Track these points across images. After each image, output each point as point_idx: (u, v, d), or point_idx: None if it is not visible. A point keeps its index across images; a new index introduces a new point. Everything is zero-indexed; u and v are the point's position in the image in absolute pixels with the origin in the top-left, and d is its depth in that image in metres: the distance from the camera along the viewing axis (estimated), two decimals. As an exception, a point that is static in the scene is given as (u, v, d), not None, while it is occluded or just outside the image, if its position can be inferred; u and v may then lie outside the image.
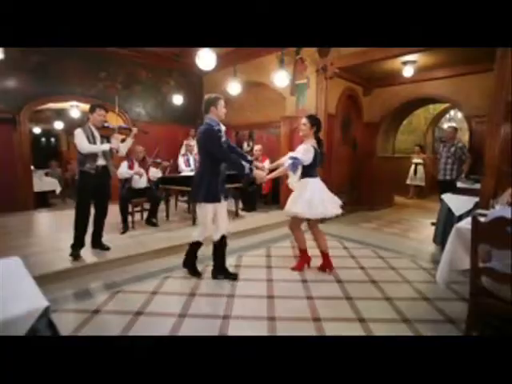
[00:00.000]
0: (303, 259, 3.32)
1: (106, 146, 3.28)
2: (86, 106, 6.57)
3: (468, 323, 1.93)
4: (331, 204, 3.06)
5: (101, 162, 3.29)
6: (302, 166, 2.99)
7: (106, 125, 3.40)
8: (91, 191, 3.29)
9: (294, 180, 3.05)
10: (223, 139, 2.82)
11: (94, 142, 3.25)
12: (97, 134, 3.30)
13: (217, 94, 2.92)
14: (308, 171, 3.03)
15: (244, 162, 2.83)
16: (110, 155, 3.38)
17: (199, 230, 3.01)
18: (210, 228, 2.96)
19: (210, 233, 2.98)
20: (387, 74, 5.72)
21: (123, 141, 3.56)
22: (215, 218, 2.96)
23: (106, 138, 3.38)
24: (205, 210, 2.87)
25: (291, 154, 3.06)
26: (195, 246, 3.06)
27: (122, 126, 3.73)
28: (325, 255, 3.24)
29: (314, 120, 3.09)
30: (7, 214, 5.31)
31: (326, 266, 3.24)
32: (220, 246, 3.03)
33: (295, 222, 3.20)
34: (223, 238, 3.03)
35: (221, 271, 3.07)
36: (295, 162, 2.95)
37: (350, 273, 3.23)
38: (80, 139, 3.16)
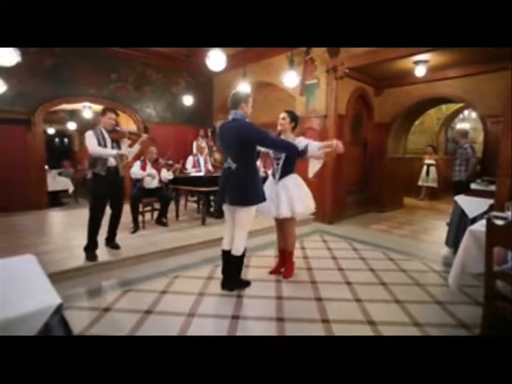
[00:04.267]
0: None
1: (113, 152, 3.30)
2: (98, 107, 6.72)
3: (482, 328, 1.89)
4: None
5: (111, 163, 3.31)
6: (293, 160, 2.92)
7: (117, 129, 3.44)
8: (105, 193, 3.32)
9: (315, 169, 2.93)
10: None
11: (105, 145, 3.28)
12: (107, 136, 3.33)
13: (246, 91, 2.72)
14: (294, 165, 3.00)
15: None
16: (120, 157, 3.42)
17: (240, 239, 2.68)
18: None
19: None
20: (398, 73, 5.64)
21: (131, 146, 3.61)
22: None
23: (116, 141, 3.41)
24: (251, 212, 2.65)
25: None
26: (242, 258, 2.76)
27: (132, 131, 3.80)
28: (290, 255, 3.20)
29: (293, 116, 2.98)
30: (21, 213, 5.44)
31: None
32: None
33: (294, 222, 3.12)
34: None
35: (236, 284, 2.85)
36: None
37: (359, 275, 3.20)
38: (90, 141, 3.22)
